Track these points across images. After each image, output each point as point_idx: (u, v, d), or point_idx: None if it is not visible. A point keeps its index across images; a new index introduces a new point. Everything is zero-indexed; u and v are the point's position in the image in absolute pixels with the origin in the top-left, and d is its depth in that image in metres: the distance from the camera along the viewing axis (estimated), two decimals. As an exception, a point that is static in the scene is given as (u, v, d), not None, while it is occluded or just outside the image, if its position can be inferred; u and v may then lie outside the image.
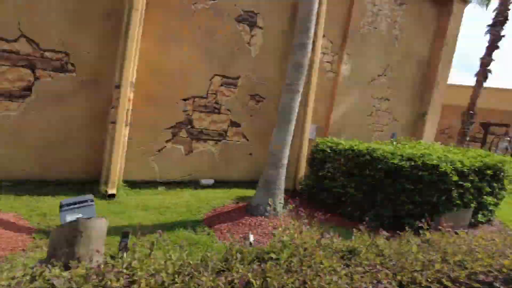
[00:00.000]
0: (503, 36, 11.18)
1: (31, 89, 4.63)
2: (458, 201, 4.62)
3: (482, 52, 11.54)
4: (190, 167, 6.00)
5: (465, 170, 4.65)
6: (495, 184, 5.20)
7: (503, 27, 11.15)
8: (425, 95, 10.04)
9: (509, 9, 11.06)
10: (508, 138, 13.14)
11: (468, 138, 12.13)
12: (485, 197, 5.09)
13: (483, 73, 11.45)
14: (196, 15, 5.55)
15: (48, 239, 2.74)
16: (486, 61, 11.40)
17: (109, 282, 1.43)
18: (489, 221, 5.90)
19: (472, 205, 4.89)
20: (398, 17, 8.91)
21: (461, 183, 4.62)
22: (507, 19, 11.07)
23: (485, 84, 11.76)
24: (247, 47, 6.22)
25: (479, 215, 5.24)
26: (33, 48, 4.58)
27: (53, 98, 4.75)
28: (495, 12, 11.20)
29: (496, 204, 5.61)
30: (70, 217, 2.60)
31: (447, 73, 10.15)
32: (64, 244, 2.27)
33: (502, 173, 5.15)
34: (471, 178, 4.78)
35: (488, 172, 4.89)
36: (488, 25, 11.32)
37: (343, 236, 2.45)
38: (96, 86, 4.99)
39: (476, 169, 4.82)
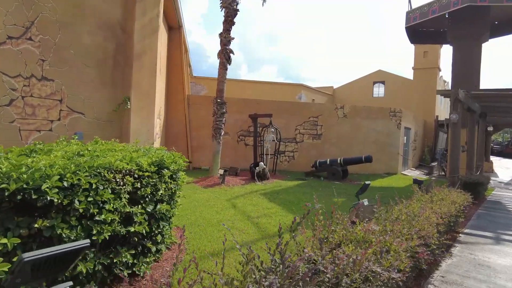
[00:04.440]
0: (238, 10, 9.54)
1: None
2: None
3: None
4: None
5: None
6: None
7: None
8: (124, 74, 7.06)
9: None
10: (273, 130, 12.08)
11: (222, 132, 10.08)
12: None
13: (224, 53, 9.54)
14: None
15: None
16: (224, 38, 9.53)
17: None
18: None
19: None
20: None
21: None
22: (237, -10, 9.44)
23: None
24: None
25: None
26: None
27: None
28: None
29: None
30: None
31: (154, 42, 7.33)
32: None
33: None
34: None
35: None
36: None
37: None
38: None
39: None
